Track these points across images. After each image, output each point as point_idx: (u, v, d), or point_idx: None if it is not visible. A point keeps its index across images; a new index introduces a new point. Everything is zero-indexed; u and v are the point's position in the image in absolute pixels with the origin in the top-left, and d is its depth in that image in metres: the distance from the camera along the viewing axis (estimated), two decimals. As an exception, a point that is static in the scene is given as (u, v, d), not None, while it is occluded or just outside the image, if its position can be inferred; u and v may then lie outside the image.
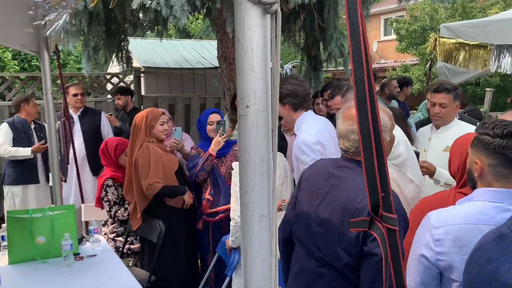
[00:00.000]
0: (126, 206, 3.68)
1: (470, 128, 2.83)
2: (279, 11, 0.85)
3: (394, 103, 5.89)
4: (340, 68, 5.35)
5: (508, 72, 4.53)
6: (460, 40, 5.45)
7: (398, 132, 2.47)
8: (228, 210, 3.33)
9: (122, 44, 5.43)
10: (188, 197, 3.48)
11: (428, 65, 6.73)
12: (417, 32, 12.50)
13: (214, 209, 3.46)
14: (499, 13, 7.10)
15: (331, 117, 4.41)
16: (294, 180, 3.02)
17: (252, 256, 0.93)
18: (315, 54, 5.23)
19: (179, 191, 3.45)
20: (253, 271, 0.94)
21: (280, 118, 3.21)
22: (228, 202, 3.37)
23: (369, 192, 0.88)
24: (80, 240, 3.21)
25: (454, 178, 1.98)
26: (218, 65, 6.65)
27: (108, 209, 3.71)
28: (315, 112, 4.39)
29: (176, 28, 7.70)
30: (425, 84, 8.36)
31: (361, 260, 1.52)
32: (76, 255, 2.98)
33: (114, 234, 3.80)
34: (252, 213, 0.92)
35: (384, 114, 1.78)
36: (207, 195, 3.49)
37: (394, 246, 0.90)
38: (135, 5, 2.68)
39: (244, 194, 0.92)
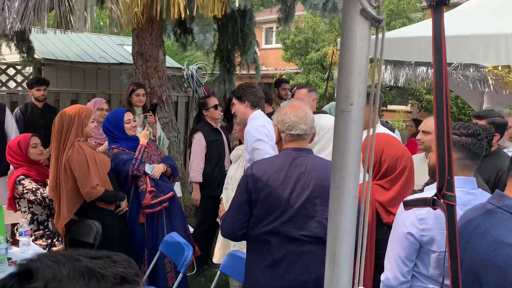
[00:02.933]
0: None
1: (384, 130, 3.36)
2: (384, 26, 1.03)
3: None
4: (252, 73, 5.66)
5: (401, 85, 5.25)
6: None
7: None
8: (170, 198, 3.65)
9: (24, 31, 5.00)
10: (125, 204, 3.47)
11: (326, 75, 7.40)
12: (301, 43, 13.49)
13: (158, 199, 3.54)
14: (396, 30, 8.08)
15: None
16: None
17: (345, 231, 1.10)
18: (230, 58, 5.44)
19: (119, 197, 3.41)
20: (344, 244, 1.10)
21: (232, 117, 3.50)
22: (169, 191, 3.67)
23: (439, 175, 1.12)
24: (3, 244, 2.94)
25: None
26: (122, 61, 6.48)
27: (26, 206, 3.45)
28: (230, 112, 4.65)
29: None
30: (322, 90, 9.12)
31: None
32: (8, 260, 2.74)
33: (33, 238, 3.52)
34: (348, 196, 1.09)
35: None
36: (149, 188, 3.50)
37: (451, 218, 1.14)
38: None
39: (341, 179, 1.08)
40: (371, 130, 1.07)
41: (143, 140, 3.66)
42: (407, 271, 1.84)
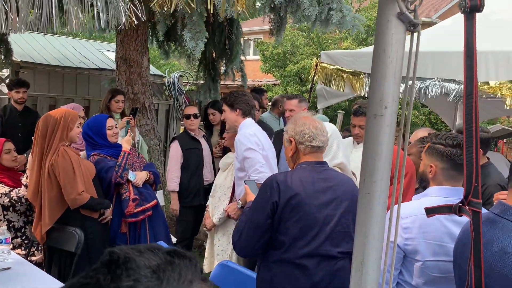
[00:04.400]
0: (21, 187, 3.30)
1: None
2: (420, 30, 1.03)
3: (282, 119, 6.39)
4: (238, 82, 5.64)
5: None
6: (338, 66, 6.20)
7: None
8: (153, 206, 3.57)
9: (3, 33, 4.83)
10: (109, 212, 3.36)
11: (310, 86, 7.43)
12: (280, 55, 13.60)
13: (141, 208, 3.46)
14: (372, 46, 8.22)
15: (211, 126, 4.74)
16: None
17: (374, 238, 1.08)
18: (216, 67, 5.41)
19: (105, 204, 3.31)
20: (372, 250, 1.08)
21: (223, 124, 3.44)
22: (152, 199, 3.59)
23: (466, 181, 1.11)
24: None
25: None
26: (102, 66, 6.37)
27: (0, 214, 3.30)
28: (210, 121, 4.63)
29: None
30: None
31: None
32: (-13, 269, 2.59)
33: (11, 246, 3.35)
34: (378, 200, 1.06)
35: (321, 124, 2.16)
36: (132, 195, 3.41)
37: (477, 225, 1.14)
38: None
39: (372, 184, 1.06)
40: (403, 136, 1.05)
41: (126, 146, 3.56)
42: (393, 278, 1.85)
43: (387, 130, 1.04)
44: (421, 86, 4.53)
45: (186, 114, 4.43)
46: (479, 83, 4.70)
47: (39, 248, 3.42)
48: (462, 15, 1.09)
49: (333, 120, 12.35)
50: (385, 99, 1.03)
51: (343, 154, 2.84)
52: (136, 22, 3.27)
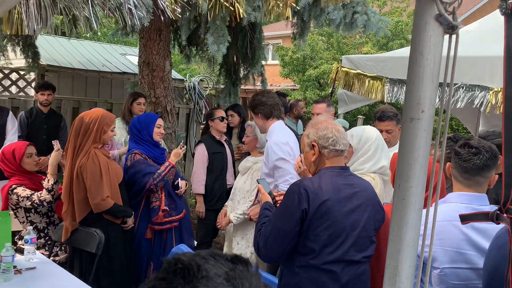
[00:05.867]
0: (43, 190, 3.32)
1: None
2: (459, 33, 1.00)
3: (300, 123, 6.37)
4: (258, 87, 5.63)
5: (401, 102, 5.28)
6: (359, 71, 6.15)
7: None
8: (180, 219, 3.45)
9: (31, 36, 4.95)
10: (131, 221, 3.33)
11: (330, 91, 7.39)
12: (299, 60, 13.56)
13: (169, 218, 3.38)
14: (394, 51, 8.12)
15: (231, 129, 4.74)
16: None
17: (408, 245, 1.05)
18: (236, 71, 5.42)
19: (128, 213, 3.28)
20: (407, 257, 1.05)
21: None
22: (182, 209, 3.47)
23: (505, 188, 1.08)
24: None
25: (393, 187, 2.39)
26: (125, 70, 6.44)
27: (23, 216, 3.34)
28: (228, 123, 4.63)
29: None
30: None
31: None
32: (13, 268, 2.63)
33: (35, 246, 3.40)
34: (413, 206, 1.04)
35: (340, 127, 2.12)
36: (163, 206, 3.38)
37: (515, 234, 1.10)
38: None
39: (407, 189, 1.04)
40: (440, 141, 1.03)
41: (173, 159, 3.46)
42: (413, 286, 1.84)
43: (423, 135, 1.02)
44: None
45: (219, 116, 4.39)
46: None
47: (62, 248, 3.45)
48: (502, 17, 1.06)
49: (352, 125, 12.27)
50: (422, 103, 1.01)
51: (385, 156, 2.78)
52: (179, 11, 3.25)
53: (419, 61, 1.01)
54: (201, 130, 6.57)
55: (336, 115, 6.86)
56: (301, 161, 2.38)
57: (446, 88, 1.04)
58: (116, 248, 3.29)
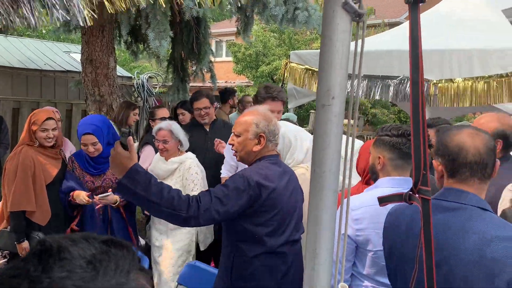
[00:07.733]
0: None
1: None
2: (365, 21, 1.04)
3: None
4: (208, 83, 5.60)
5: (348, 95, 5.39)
6: (307, 66, 6.24)
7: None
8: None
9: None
10: (20, 249, 3.04)
11: (280, 86, 7.45)
12: (252, 56, 13.61)
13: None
14: None
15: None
16: None
17: (326, 228, 1.08)
18: (184, 67, 5.36)
19: (18, 237, 3.05)
20: (324, 240, 1.08)
21: None
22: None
23: (415, 169, 1.13)
24: None
25: (360, 175, 2.43)
26: (69, 68, 6.24)
27: None
28: (178, 121, 4.54)
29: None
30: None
31: None
32: None
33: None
34: (328, 192, 1.06)
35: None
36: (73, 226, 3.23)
37: (426, 213, 1.15)
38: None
39: (321, 175, 1.06)
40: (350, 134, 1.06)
41: (102, 201, 3.11)
42: (345, 270, 1.90)
43: (334, 120, 1.05)
44: (389, 83, 4.59)
45: (160, 117, 4.23)
46: (443, 80, 4.83)
47: (1, 254, 3.31)
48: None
49: (305, 120, 12.43)
50: (333, 89, 1.04)
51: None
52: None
53: (329, 48, 1.03)
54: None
55: (286, 109, 6.95)
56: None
57: (356, 74, 1.07)
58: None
